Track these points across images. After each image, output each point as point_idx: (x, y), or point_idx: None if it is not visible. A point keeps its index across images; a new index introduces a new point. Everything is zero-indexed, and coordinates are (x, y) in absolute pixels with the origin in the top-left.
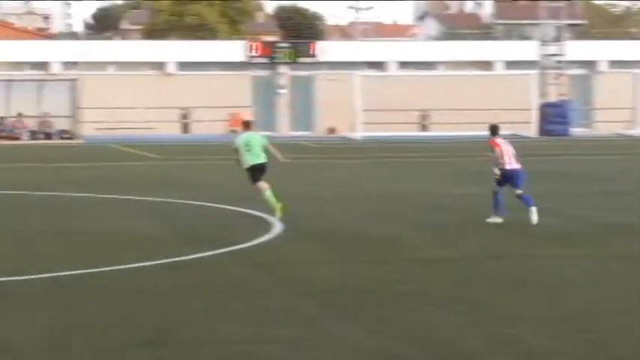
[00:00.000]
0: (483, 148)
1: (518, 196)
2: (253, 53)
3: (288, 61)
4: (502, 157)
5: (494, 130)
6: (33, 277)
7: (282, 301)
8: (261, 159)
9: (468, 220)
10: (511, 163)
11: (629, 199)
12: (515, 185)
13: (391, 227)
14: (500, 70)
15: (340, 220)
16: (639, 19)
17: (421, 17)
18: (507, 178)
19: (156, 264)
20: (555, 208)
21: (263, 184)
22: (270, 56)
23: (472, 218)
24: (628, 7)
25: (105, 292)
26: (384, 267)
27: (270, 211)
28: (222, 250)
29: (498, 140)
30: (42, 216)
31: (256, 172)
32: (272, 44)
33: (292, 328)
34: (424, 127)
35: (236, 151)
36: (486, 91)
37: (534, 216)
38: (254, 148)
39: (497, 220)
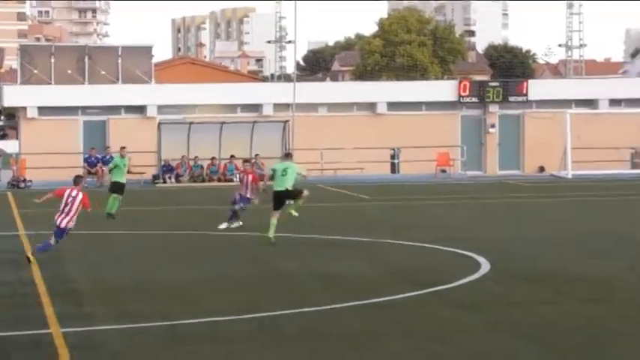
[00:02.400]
0: None
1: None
2: (463, 93)
3: (498, 100)
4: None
5: None
6: (241, 317)
7: (496, 343)
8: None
9: None
10: None
11: None
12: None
13: (607, 268)
14: None
15: (551, 259)
16: None
17: (634, 54)
18: None
19: (363, 304)
20: None
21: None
22: (481, 95)
23: None
24: None
25: (312, 332)
26: (603, 307)
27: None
28: (429, 290)
29: None
30: (250, 256)
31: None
32: (482, 83)
33: None
34: (636, 165)
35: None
36: None
37: None
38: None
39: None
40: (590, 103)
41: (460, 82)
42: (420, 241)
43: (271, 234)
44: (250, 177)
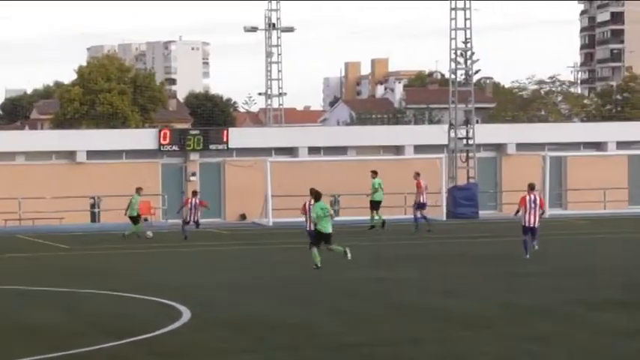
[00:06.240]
0: (396, 231)
1: None
2: (164, 141)
3: (199, 148)
4: None
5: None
6: None
7: None
8: None
9: (383, 304)
10: None
11: (537, 280)
12: None
13: (305, 313)
14: (410, 154)
15: (252, 306)
16: (546, 102)
17: (333, 102)
18: None
19: (62, 355)
20: (467, 291)
21: None
22: (181, 144)
23: (386, 302)
24: (536, 90)
25: None
26: (296, 354)
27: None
28: (127, 340)
29: None
30: None
31: None
32: (182, 132)
33: None
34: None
35: None
36: (396, 175)
37: None
38: None
39: None
40: (290, 150)
41: (160, 131)
42: (121, 291)
43: None
44: None
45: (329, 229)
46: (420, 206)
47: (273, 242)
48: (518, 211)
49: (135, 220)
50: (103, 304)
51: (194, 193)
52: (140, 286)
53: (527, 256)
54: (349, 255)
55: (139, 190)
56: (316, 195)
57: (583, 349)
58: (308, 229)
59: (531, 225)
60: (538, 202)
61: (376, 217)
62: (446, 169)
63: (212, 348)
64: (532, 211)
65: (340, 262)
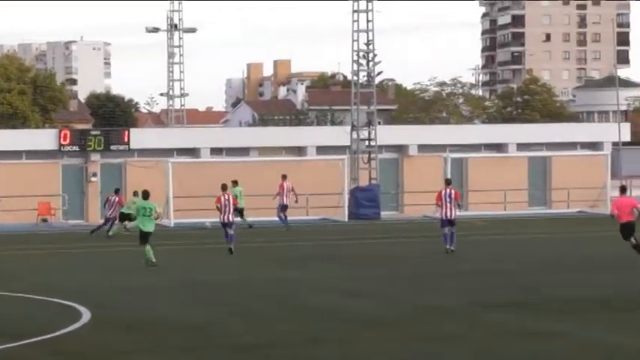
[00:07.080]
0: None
1: None
2: (64, 141)
3: (100, 148)
4: None
5: None
6: None
7: None
8: None
9: (284, 305)
10: None
11: (437, 280)
12: None
13: (206, 314)
14: (312, 155)
15: (153, 307)
16: (448, 104)
17: (235, 104)
18: None
19: None
20: (368, 291)
21: None
22: (82, 144)
23: (287, 303)
24: (437, 92)
25: None
26: (196, 355)
27: None
28: (26, 341)
29: None
30: None
31: None
32: (83, 132)
33: None
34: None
35: None
36: (298, 176)
37: None
38: None
39: None
40: (192, 151)
41: (61, 131)
42: (19, 292)
43: None
44: None
45: (150, 228)
46: (282, 208)
47: (175, 243)
48: (438, 205)
49: (126, 217)
50: (1, 304)
51: (116, 191)
52: (39, 287)
53: (449, 247)
54: (153, 262)
55: (136, 193)
56: (144, 193)
57: (484, 349)
58: (221, 220)
59: (448, 217)
60: (453, 195)
61: (247, 219)
62: (348, 171)
63: (112, 348)
64: (448, 205)
65: (242, 262)
